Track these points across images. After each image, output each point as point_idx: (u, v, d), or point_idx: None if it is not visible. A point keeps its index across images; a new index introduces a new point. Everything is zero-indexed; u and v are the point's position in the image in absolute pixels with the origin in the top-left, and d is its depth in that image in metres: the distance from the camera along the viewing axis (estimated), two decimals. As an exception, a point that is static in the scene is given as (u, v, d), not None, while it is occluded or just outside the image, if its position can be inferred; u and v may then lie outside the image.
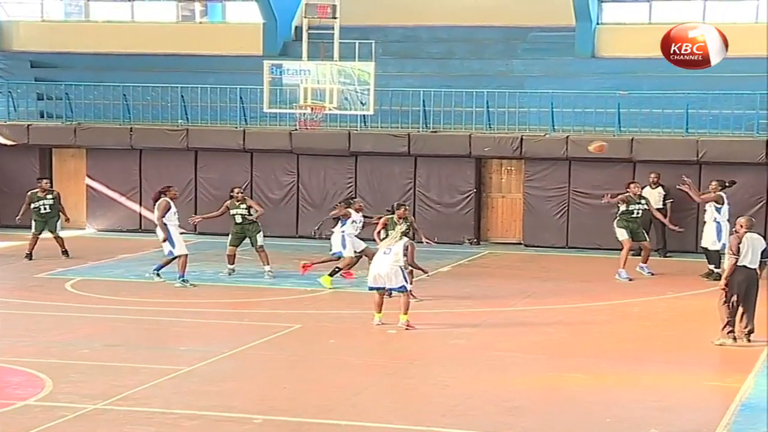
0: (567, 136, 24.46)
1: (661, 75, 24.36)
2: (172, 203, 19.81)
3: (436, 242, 20.68)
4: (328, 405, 12.45)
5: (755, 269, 15.25)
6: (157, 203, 19.77)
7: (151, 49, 29.81)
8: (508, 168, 25.56)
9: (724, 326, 15.26)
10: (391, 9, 29.47)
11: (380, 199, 24.28)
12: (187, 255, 19.82)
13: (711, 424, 11.80)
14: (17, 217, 22.90)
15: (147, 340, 16.00)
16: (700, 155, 23.59)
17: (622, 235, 20.90)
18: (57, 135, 27.04)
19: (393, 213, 18.51)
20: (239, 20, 30.81)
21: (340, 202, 20.55)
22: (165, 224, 19.59)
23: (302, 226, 26.01)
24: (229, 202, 20.82)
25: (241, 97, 26.28)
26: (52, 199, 22.84)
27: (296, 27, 29.30)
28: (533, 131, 24.98)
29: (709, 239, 20.58)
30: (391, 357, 15.16)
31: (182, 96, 26.74)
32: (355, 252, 19.81)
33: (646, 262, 21.09)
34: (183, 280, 19.59)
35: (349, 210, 19.86)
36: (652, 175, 23.04)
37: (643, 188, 22.25)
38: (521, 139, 24.59)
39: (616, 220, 21.01)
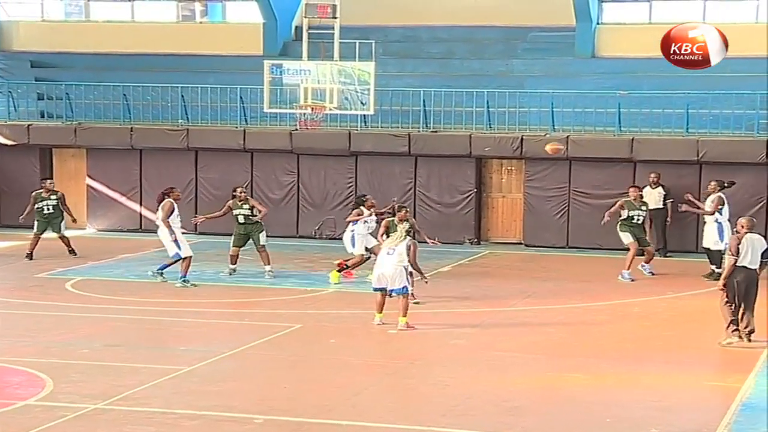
0: (567, 136, 24.45)
1: (661, 75, 24.36)
2: (176, 205, 19.83)
3: (441, 243, 20.66)
4: (328, 405, 12.46)
5: (755, 270, 15.26)
6: (162, 204, 19.77)
7: (151, 49, 29.81)
8: (509, 168, 25.56)
9: (728, 326, 15.26)
10: (391, 9, 29.47)
11: (381, 199, 24.13)
12: (191, 257, 19.83)
13: (711, 424, 11.80)
14: (21, 217, 22.92)
15: (147, 340, 16.01)
16: (700, 155, 23.60)
17: (627, 238, 20.88)
18: (57, 135, 27.05)
19: (394, 215, 18.52)
20: (239, 20, 30.81)
21: (354, 206, 20.49)
22: (170, 225, 19.60)
23: (302, 226, 26.02)
24: (231, 202, 20.81)
25: (241, 97, 26.28)
26: (56, 199, 22.89)
27: (296, 27, 29.31)
28: (533, 131, 24.98)
29: (710, 239, 20.59)
30: (391, 357, 15.17)
31: (182, 96, 26.75)
32: (367, 249, 19.85)
33: (648, 263, 21.09)
34: (184, 281, 19.59)
35: (362, 209, 19.92)
36: (652, 175, 23.04)
37: (643, 188, 22.26)
38: (521, 139, 24.59)
39: (618, 225, 21.00)
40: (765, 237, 16.08)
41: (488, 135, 24.99)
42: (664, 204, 22.99)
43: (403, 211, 17.23)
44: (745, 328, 15.31)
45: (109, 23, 31.16)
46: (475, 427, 11.75)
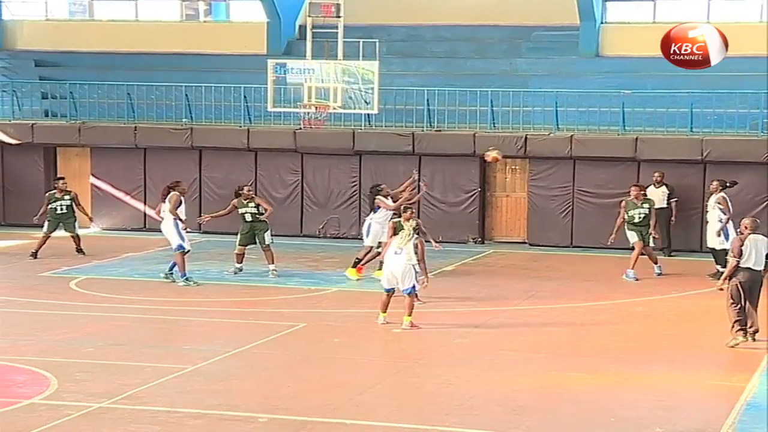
0: (571, 136, 24.45)
1: (665, 74, 24.34)
2: (182, 198, 19.84)
3: (440, 241, 20.68)
4: (332, 404, 12.47)
5: (760, 271, 15.23)
6: (168, 197, 19.74)
7: (155, 48, 29.82)
8: (513, 167, 25.55)
9: (732, 326, 15.24)
10: (394, 8, 29.47)
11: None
12: (189, 251, 19.83)
13: (716, 424, 11.80)
14: (35, 218, 23.03)
15: (151, 339, 16.02)
16: (704, 154, 23.58)
17: (632, 237, 20.93)
18: (61, 134, 27.06)
19: (399, 216, 18.46)
20: (243, 19, 30.81)
21: (372, 197, 20.49)
22: (178, 215, 19.59)
23: (307, 225, 26.02)
24: (236, 200, 20.79)
25: (245, 96, 26.28)
26: (70, 199, 22.99)
27: (300, 26, 29.30)
28: (537, 130, 24.97)
29: (715, 239, 20.57)
30: (395, 356, 15.18)
31: (186, 95, 26.75)
32: (379, 243, 19.87)
33: (656, 263, 21.09)
34: (186, 279, 19.59)
35: (381, 198, 19.97)
36: (656, 174, 23.02)
37: (646, 187, 22.24)
38: (525, 138, 24.58)
39: (625, 225, 21.05)
40: (769, 237, 16.06)
41: (492, 134, 24.98)
42: (668, 203, 22.97)
43: (409, 212, 17.26)
44: (750, 327, 15.31)
45: (113, 22, 31.17)
46: (479, 426, 11.76)
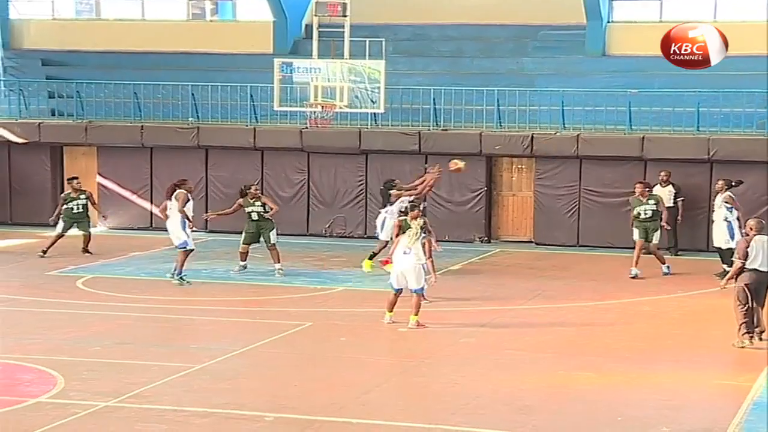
0: (578, 135, 24.45)
1: (672, 73, 24.28)
2: (190, 196, 19.87)
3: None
4: (338, 403, 12.47)
5: (766, 272, 15.18)
6: (175, 194, 19.70)
7: (161, 47, 29.85)
8: (519, 166, 25.55)
9: (739, 328, 15.23)
10: (401, 7, 29.47)
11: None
12: (192, 250, 19.84)
13: (722, 423, 11.79)
14: (51, 219, 23.17)
15: (158, 337, 16.04)
16: (711, 153, 23.56)
17: (634, 235, 20.99)
18: (68, 133, 27.10)
19: (406, 215, 18.46)
20: (250, 18, 30.83)
21: (386, 192, 20.56)
22: (186, 213, 19.61)
23: (313, 224, 26.04)
24: (242, 200, 20.77)
25: (251, 95, 26.30)
26: (85, 198, 23.06)
27: (306, 25, 29.32)
28: (544, 129, 24.96)
29: (721, 239, 20.55)
30: (401, 355, 15.19)
31: (193, 94, 26.78)
32: (391, 238, 19.88)
33: (663, 263, 21.09)
34: (181, 278, 19.58)
35: (394, 191, 20.09)
36: (663, 174, 22.99)
37: (653, 186, 22.24)
38: (532, 137, 24.58)
39: (633, 222, 21.13)
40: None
41: (499, 133, 24.98)
42: (675, 202, 22.95)
43: (416, 210, 17.28)
44: (756, 327, 15.29)
45: (119, 21, 31.20)
46: (485, 425, 11.76)
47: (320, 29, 25.28)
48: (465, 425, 11.69)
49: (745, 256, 15.08)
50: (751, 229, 15.29)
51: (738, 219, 20.15)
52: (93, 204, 23.44)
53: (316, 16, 25.25)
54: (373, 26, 27.57)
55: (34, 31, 31.32)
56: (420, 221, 16.62)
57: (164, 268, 20.47)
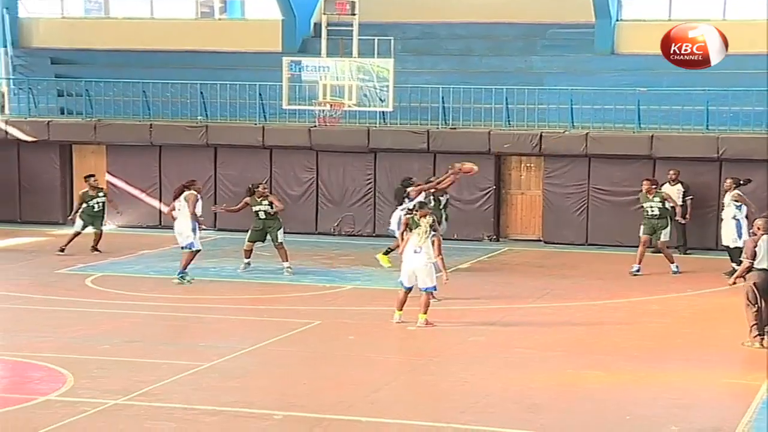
0: (586, 133, 24.42)
1: (680, 72, 24.02)
2: (199, 196, 19.88)
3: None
4: (347, 401, 12.48)
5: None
6: (185, 196, 19.67)
7: (170, 46, 29.87)
8: (528, 165, 25.54)
9: (750, 329, 15.19)
10: (409, 6, 29.46)
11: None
12: (199, 250, 19.85)
13: (731, 422, 11.78)
14: (70, 217, 23.35)
15: (167, 336, 16.07)
16: (720, 152, 23.53)
17: (641, 231, 21.04)
18: (77, 131, 27.14)
19: (414, 213, 18.45)
20: (258, 17, 30.85)
21: (402, 191, 20.60)
22: (197, 215, 19.62)
23: (321, 222, 26.05)
24: (249, 198, 20.76)
25: (260, 94, 26.31)
26: (104, 195, 23.16)
27: (315, 23, 29.32)
28: (552, 128, 24.94)
29: (729, 237, 20.54)
30: (410, 354, 15.19)
31: (201, 92, 26.81)
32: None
33: (672, 262, 21.09)
34: (181, 277, 19.58)
35: (412, 188, 20.16)
36: (671, 172, 22.97)
37: (662, 185, 22.23)
38: (540, 135, 24.56)
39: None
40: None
41: (507, 132, 24.97)
42: (684, 201, 22.91)
43: (425, 209, 17.28)
44: (765, 326, 15.25)
45: (128, 20, 31.24)
46: (494, 424, 11.76)
47: (329, 28, 25.30)
48: (474, 424, 11.68)
49: (754, 256, 15.05)
50: (759, 228, 15.25)
51: (747, 217, 20.14)
52: (110, 202, 23.55)
53: (324, 14, 25.27)
54: (382, 25, 27.56)
55: (43, 29, 31.37)
56: (429, 219, 16.61)
57: (173, 266, 20.47)
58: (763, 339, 15.12)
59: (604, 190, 24.54)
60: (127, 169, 26.95)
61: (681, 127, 24.24)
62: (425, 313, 16.22)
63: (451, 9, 29.26)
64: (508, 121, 25.23)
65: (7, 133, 27.12)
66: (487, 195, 25.20)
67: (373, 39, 24.97)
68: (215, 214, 24.18)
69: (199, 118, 26.81)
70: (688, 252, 23.30)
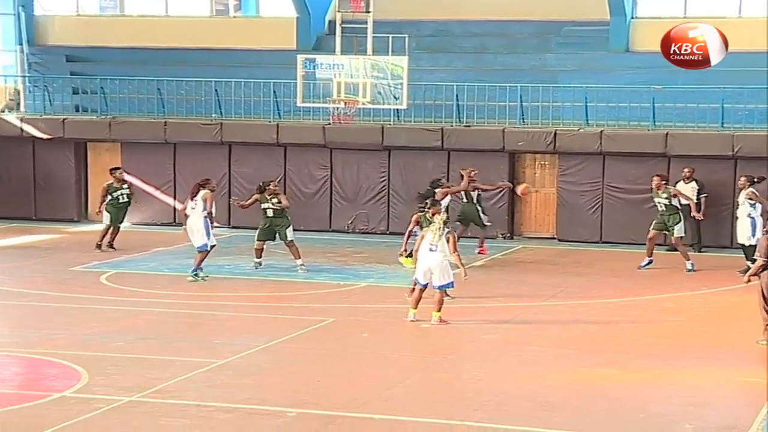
0: (601, 131, 24.37)
1: (696, 70, 24.15)
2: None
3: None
4: (361, 399, 12.49)
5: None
6: (201, 195, 19.69)
7: (185, 44, 29.91)
8: (542, 162, 25.50)
9: (765, 328, 15.12)
10: (424, 3, 29.44)
11: (413, 194, 24.19)
12: (214, 245, 19.86)
13: (746, 421, 11.75)
14: (97, 211, 23.38)
15: (181, 333, 16.09)
16: (735, 150, 23.46)
17: (651, 226, 21.09)
18: (92, 129, 27.20)
19: (425, 210, 18.44)
20: (273, 14, 30.87)
21: (428, 198, 20.60)
22: (212, 215, 19.66)
23: (335, 220, 26.05)
24: (259, 195, 20.72)
25: (274, 92, 26.33)
26: (128, 188, 23.24)
27: (330, 21, 29.32)
28: (567, 126, 24.91)
29: (744, 235, 20.50)
30: (424, 351, 15.19)
31: (216, 90, 26.84)
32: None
33: (688, 260, 21.05)
34: (195, 274, 19.61)
35: (440, 189, 20.39)
36: (686, 170, 22.92)
37: (676, 183, 22.21)
38: (555, 133, 24.53)
39: None
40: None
41: (521, 129, 24.94)
42: (698, 199, 22.85)
43: (436, 206, 17.25)
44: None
45: (143, 17, 31.30)
46: (507, 421, 11.75)
47: (343, 25, 25.28)
48: (488, 422, 11.68)
49: (767, 254, 15.00)
50: (772, 227, 15.20)
51: (761, 215, 20.10)
52: (131, 194, 23.58)
53: (339, 12, 25.25)
54: (396, 22, 27.56)
55: (58, 27, 31.45)
56: (442, 216, 16.61)
57: (187, 263, 20.50)
58: (775, 339, 15.09)
59: (618, 187, 24.49)
60: (141, 166, 26.97)
61: (696, 125, 24.18)
62: (439, 310, 16.22)
63: (465, 6, 29.22)
64: (523, 118, 25.19)
65: (22, 130, 27.19)
66: (501, 193, 25.17)
67: (388, 36, 24.95)
68: (230, 212, 24.19)
69: (213, 115, 26.84)
70: (702, 250, 23.23)
